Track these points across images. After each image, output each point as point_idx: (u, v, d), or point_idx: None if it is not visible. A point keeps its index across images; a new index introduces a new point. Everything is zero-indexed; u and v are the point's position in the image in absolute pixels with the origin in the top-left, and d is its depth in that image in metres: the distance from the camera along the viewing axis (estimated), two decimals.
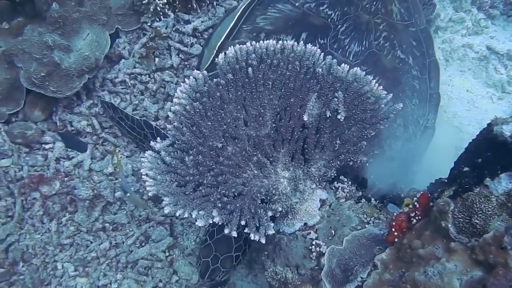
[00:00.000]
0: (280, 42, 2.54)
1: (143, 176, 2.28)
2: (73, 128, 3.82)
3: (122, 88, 4.00)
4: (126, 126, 3.57)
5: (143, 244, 3.65)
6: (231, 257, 2.67)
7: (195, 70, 2.47)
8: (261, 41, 2.52)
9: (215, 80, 2.49)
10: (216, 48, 3.20)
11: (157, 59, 4.03)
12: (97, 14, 3.82)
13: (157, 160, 2.34)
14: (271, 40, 2.52)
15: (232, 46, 2.48)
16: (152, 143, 2.37)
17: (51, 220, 3.67)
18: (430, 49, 3.47)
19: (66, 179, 3.74)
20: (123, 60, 4.05)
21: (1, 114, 3.71)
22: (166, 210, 2.21)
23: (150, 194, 2.24)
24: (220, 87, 2.46)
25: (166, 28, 4.05)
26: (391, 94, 2.56)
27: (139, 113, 3.94)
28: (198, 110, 2.39)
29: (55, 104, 3.84)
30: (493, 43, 4.22)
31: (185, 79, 2.44)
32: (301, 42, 2.55)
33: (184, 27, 4.08)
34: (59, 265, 3.60)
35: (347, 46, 3.16)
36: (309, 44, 2.57)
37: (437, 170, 3.09)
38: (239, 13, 3.29)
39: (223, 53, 2.48)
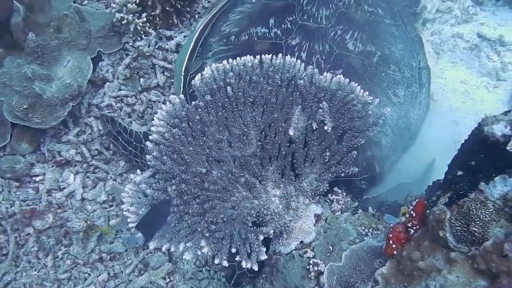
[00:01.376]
0: (258, 56, 2.46)
1: (124, 213, 2.21)
2: (62, 158, 3.74)
3: (109, 112, 3.93)
4: (123, 141, 3.53)
5: (142, 272, 3.58)
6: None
7: (171, 95, 2.39)
8: (238, 58, 2.44)
9: (193, 103, 2.41)
10: (183, 73, 3.20)
11: (142, 79, 3.96)
12: (77, 39, 3.75)
13: (138, 193, 2.26)
14: (248, 56, 2.45)
15: (208, 66, 2.41)
16: (131, 175, 2.30)
17: (46, 255, 3.61)
18: None
19: (59, 211, 3.67)
20: (107, 83, 3.97)
21: None
22: (151, 246, 2.13)
23: (133, 230, 2.16)
24: (199, 109, 2.39)
25: (148, 47, 3.97)
26: (378, 100, 2.48)
27: None
28: (177, 137, 2.32)
29: (42, 135, 3.77)
30: (484, 30, 4.10)
31: (162, 105, 2.37)
32: (280, 55, 2.47)
33: (167, 44, 4.01)
34: None
35: (316, 13, 3.18)
36: (284, 57, 2.50)
37: (436, 166, 3.02)
38: (196, 34, 3.34)
39: (199, 74, 2.40)
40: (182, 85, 3.17)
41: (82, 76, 3.70)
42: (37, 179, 3.76)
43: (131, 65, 3.93)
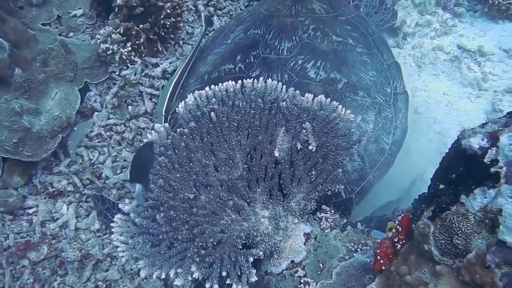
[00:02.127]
0: (240, 81, 2.51)
1: (113, 242, 2.23)
2: (54, 189, 3.76)
3: (99, 142, 3.98)
4: (112, 217, 3.54)
5: None
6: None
7: (156, 124, 2.43)
8: (220, 84, 2.48)
9: (178, 130, 2.45)
10: (163, 113, 3.41)
11: (130, 107, 4.02)
12: (63, 72, 3.82)
13: (127, 223, 2.29)
14: (230, 82, 2.50)
15: (190, 94, 2.45)
16: (120, 205, 2.33)
17: (42, 286, 3.61)
18: (369, 29, 3.66)
19: (53, 241, 3.70)
20: (96, 113, 4.03)
21: None
22: (142, 274, 2.15)
23: (123, 260, 2.19)
24: (184, 136, 2.42)
25: (135, 75, 4.04)
26: (360, 117, 2.52)
27: (119, 165, 3.91)
28: (164, 164, 2.35)
29: (33, 167, 3.81)
30: (463, 41, 4.19)
31: (148, 135, 2.40)
32: (261, 78, 2.52)
33: (153, 71, 4.09)
34: None
35: (278, 46, 3.37)
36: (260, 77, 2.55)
37: (424, 180, 3.06)
38: (176, 77, 3.60)
39: (182, 102, 2.44)
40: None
41: (71, 108, 3.76)
42: (30, 211, 3.78)
43: (118, 94, 3.99)
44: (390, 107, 3.27)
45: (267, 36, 3.43)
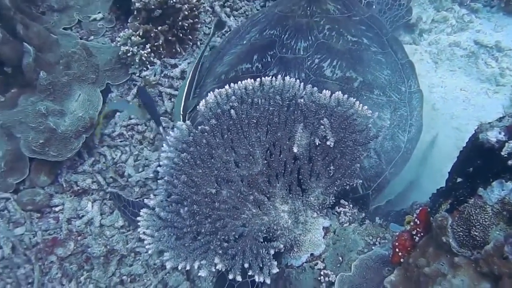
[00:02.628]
0: (258, 79, 2.57)
1: (140, 236, 2.31)
2: (79, 188, 3.87)
3: (121, 141, 4.07)
4: (129, 214, 3.69)
5: None
6: (247, 283, 2.60)
7: (178, 122, 2.50)
8: (239, 82, 2.55)
9: (199, 127, 2.52)
10: (181, 112, 3.54)
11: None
12: (86, 74, 3.91)
13: (152, 217, 2.37)
14: (249, 80, 2.55)
15: (211, 92, 2.52)
16: (146, 200, 2.40)
17: (70, 281, 3.70)
18: (383, 29, 3.70)
19: (79, 238, 3.78)
20: (118, 113, 4.12)
21: (9, 184, 3.77)
22: (168, 265, 2.23)
23: (150, 252, 2.27)
24: (206, 133, 2.49)
25: (154, 76, 4.13)
26: (377, 113, 2.57)
27: (140, 163, 3.99)
28: (186, 161, 2.42)
29: (59, 166, 3.90)
30: (480, 37, 4.19)
31: (170, 132, 2.48)
32: (279, 76, 2.58)
33: (172, 72, 4.18)
34: None
35: (294, 46, 3.42)
36: (286, 77, 2.61)
37: (442, 175, 3.08)
38: (189, 78, 3.69)
39: (203, 100, 2.51)
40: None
41: (93, 108, 3.85)
42: (56, 209, 3.87)
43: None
44: (405, 105, 3.32)
45: (283, 36, 3.48)
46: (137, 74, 4.17)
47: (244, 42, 3.75)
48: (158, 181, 2.48)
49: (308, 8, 3.63)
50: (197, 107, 2.53)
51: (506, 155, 1.80)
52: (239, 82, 2.56)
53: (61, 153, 3.68)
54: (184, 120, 3.48)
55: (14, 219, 3.77)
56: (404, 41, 4.42)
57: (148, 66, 4.17)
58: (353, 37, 3.48)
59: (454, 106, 3.95)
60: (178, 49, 4.24)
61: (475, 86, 4.02)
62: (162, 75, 4.19)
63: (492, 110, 3.83)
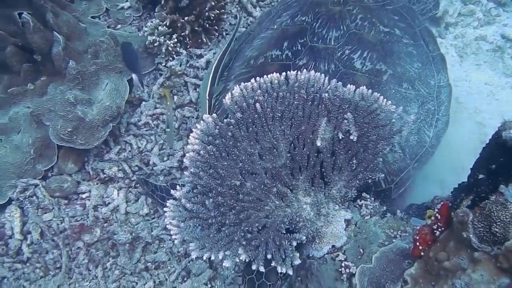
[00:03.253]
0: (284, 73, 2.60)
1: (167, 226, 2.38)
2: (105, 175, 3.96)
3: (147, 130, 4.14)
4: (158, 198, 3.75)
5: (185, 279, 3.73)
6: (275, 269, 2.56)
7: (204, 115, 2.55)
8: (265, 76, 2.58)
9: (225, 120, 2.57)
10: (207, 97, 3.52)
11: (176, 96, 4.15)
12: (113, 63, 3.98)
13: (178, 208, 2.43)
14: (274, 74, 2.59)
15: (237, 86, 2.56)
16: (172, 191, 2.47)
17: (96, 266, 3.80)
18: (416, 20, 3.66)
19: (105, 225, 3.87)
20: (143, 102, 4.20)
21: (37, 171, 3.88)
22: (194, 255, 2.29)
23: (176, 242, 2.33)
24: (231, 126, 2.54)
25: (180, 66, 4.19)
26: (401, 108, 2.59)
27: (165, 152, 4.06)
28: (212, 153, 2.47)
29: (86, 154, 4.00)
30: (507, 31, 4.15)
31: (196, 125, 2.53)
32: (304, 70, 2.61)
33: (198, 62, 4.23)
34: None
35: (325, 35, 3.39)
36: (311, 69, 2.64)
37: (464, 169, 3.08)
38: (216, 63, 3.67)
39: (229, 93, 2.55)
40: (207, 108, 3.47)
41: (120, 98, 3.93)
42: (83, 196, 3.97)
43: (165, 84, 4.13)
44: (434, 99, 3.30)
45: (314, 24, 3.46)
46: (163, 64, 4.23)
47: (275, 26, 3.73)
48: (184, 172, 2.53)
49: None
50: (224, 100, 2.57)
51: None
52: (265, 76, 2.59)
53: (88, 141, 3.78)
54: (210, 105, 3.52)
55: (43, 205, 3.87)
56: None
57: (174, 56, 4.22)
58: (385, 28, 3.46)
59: (479, 100, 3.94)
60: (204, 39, 4.28)
61: (500, 80, 4.00)
62: (188, 65, 4.25)
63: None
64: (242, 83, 2.58)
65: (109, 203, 3.96)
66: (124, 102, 3.95)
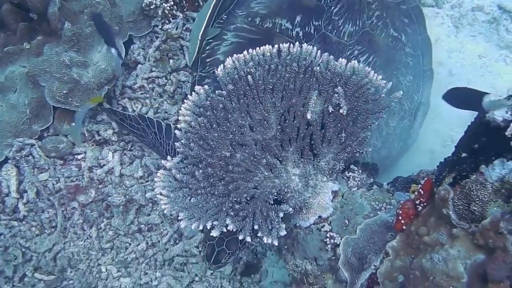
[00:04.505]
0: (276, 46, 2.61)
1: (157, 195, 2.45)
2: (100, 137, 4.01)
3: (142, 93, 4.16)
4: (128, 126, 3.73)
5: (177, 242, 3.86)
6: (236, 239, 2.68)
7: (197, 86, 2.58)
8: (257, 48, 2.59)
9: (217, 92, 2.60)
10: (199, 38, 3.34)
11: (171, 60, 4.16)
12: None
13: (169, 178, 2.49)
14: (266, 46, 2.60)
15: (229, 57, 2.58)
16: (163, 161, 2.52)
17: (91, 227, 3.91)
18: (421, 26, 3.57)
19: (100, 186, 3.96)
20: (139, 65, 4.20)
21: (33, 131, 3.94)
22: (182, 225, 2.36)
23: (165, 211, 2.40)
24: (222, 98, 2.57)
25: (176, 29, 4.16)
26: (391, 83, 2.62)
27: (160, 116, 4.10)
28: (203, 124, 2.51)
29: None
30: (504, 1, 4.12)
31: (188, 96, 2.56)
32: (297, 43, 2.62)
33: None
34: (103, 268, 3.88)
35: (341, 27, 3.28)
36: (305, 44, 2.65)
37: (453, 139, 3.14)
38: (214, 1, 3.36)
39: (221, 65, 2.57)
40: (197, 49, 3.33)
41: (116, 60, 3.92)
42: (79, 157, 4.04)
43: (161, 47, 4.13)
44: (411, 115, 3.36)
45: (333, 8, 3.30)
46: (160, 27, 4.21)
47: None
48: (176, 143, 2.58)
49: None
50: (215, 71, 2.59)
51: (510, 135, 1.85)
52: (257, 48, 2.59)
53: (83, 103, 3.80)
54: (200, 47, 3.36)
55: (39, 165, 3.96)
56: (426, 3, 4.37)
57: (171, 19, 4.19)
58: (395, 32, 3.41)
59: (472, 72, 3.96)
60: (201, 2, 4.24)
61: (494, 52, 4.01)
62: (184, 28, 4.22)
63: (509, 78, 3.83)
64: (235, 55, 2.59)
65: (104, 165, 4.03)
66: (119, 65, 3.95)
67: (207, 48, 3.39)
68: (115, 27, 3.98)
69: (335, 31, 3.27)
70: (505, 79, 3.83)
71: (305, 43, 3.02)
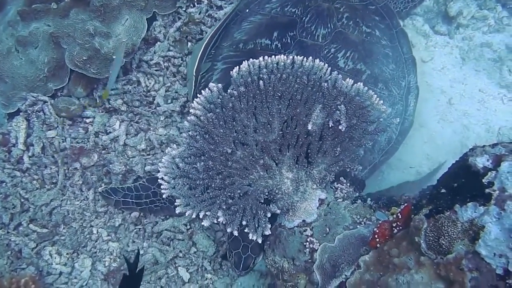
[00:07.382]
0: (290, 57, 2.78)
1: (159, 180, 2.63)
2: (110, 106, 4.16)
3: (156, 70, 4.29)
4: (133, 199, 3.82)
5: (167, 217, 4.02)
6: (257, 243, 2.84)
7: (211, 83, 2.75)
8: (273, 56, 2.76)
9: (228, 91, 2.77)
10: (194, 74, 3.65)
11: (189, 43, 4.29)
12: (136, 0, 4.07)
13: (172, 165, 2.67)
14: (282, 56, 2.77)
15: (245, 61, 2.74)
16: (168, 149, 2.70)
17: (89, 189, 4.06)
18: (393, 21, 3.82)
19: (103, 152, 4.10)
20: (158, 43, 4.31)
21: (48, 89, 4.10)
22: (177, 210, 2.56)
23: (164, 196, 2.59)
24: (233, 98, 2.75)
25: (199, 14, 4.27)
26: (390, 109, 2.80)
27: (170, 95, 4.24)
28: (211, 120, 2.69)
29: (95, 82, 4.17)
30: None
31: (202, 91, 2.73)
32: (310, 57, 2.78)
33: (217, 13, 4.29)
34: (95, 230, 4.02)
35: (314, 31, 3.54)
36: (297, 55, 2.81)
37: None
38: (207, 40, 3.72)
39: (236, 67, 2.74)
40: (193, 84, 3.65)
41: (137, 35, 4.07)
42: (87, 120, 4.19)
43: (181, 29, 4.25)
44: (402, 100, 3.53)
45: (304, 18, 3.57)
46: (184, 9, 4.31)
47: (265, 12, 3.76)
48: (183, 134, 2.75)
49: None
50: (231, 72, 2.76)
51: (486, 183, 2.02)
52: (273, 57, 2.76)
53: (100, 71, 3.96)
54: (196, 81, 3.67)
55: (48, 122, 4.11)
56: (440, 32, 4.50)
57: (195, 3, 4.29)
58: (367, 28, 3.63)
59: (470, 104, 4.10)
60: None
61: (493, 90, 4.14)
62: (207, 14, 4.31)
63: (502, 116, 3.99)
64: (251, 59, 2.75)
65: (110, 132, 4.15)
66: (140, 40, 4.07)
67: (202, 80, 3.68)
68: (141, 3, 4.09)
69: (309, 36, 3.52)
70: (499, 117, 3.99)
71: (284, 52, 3.36)
